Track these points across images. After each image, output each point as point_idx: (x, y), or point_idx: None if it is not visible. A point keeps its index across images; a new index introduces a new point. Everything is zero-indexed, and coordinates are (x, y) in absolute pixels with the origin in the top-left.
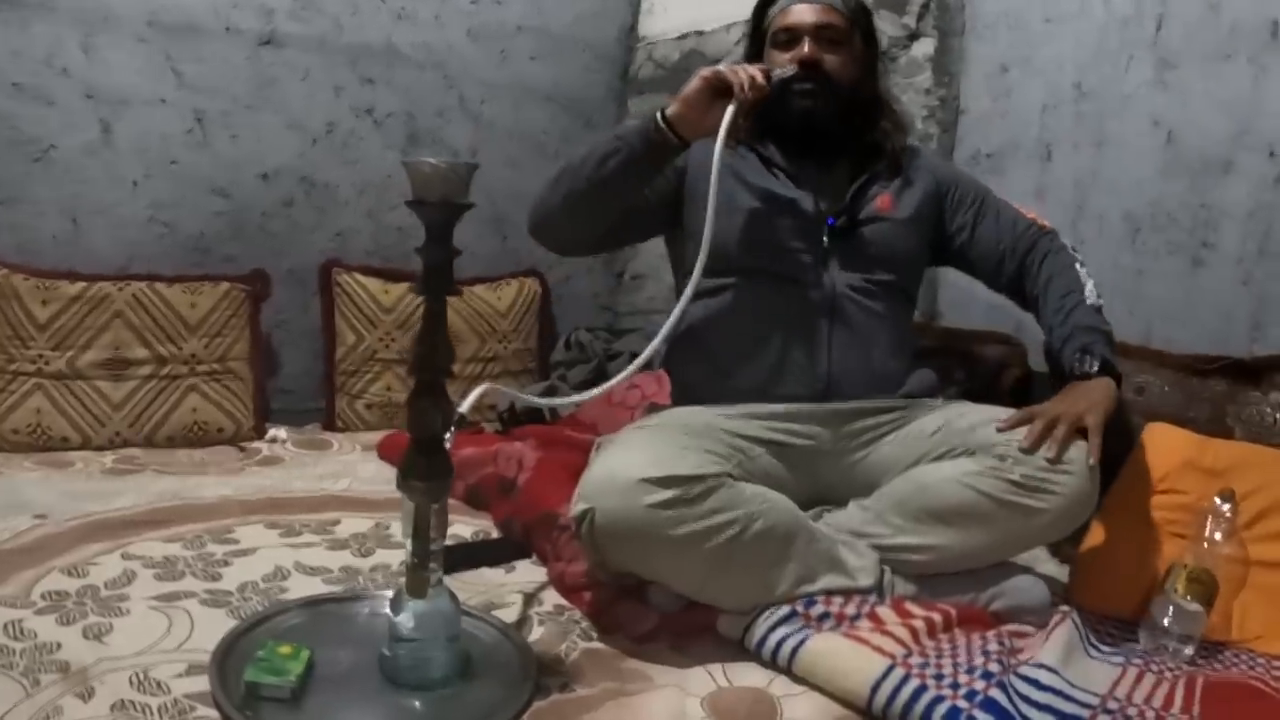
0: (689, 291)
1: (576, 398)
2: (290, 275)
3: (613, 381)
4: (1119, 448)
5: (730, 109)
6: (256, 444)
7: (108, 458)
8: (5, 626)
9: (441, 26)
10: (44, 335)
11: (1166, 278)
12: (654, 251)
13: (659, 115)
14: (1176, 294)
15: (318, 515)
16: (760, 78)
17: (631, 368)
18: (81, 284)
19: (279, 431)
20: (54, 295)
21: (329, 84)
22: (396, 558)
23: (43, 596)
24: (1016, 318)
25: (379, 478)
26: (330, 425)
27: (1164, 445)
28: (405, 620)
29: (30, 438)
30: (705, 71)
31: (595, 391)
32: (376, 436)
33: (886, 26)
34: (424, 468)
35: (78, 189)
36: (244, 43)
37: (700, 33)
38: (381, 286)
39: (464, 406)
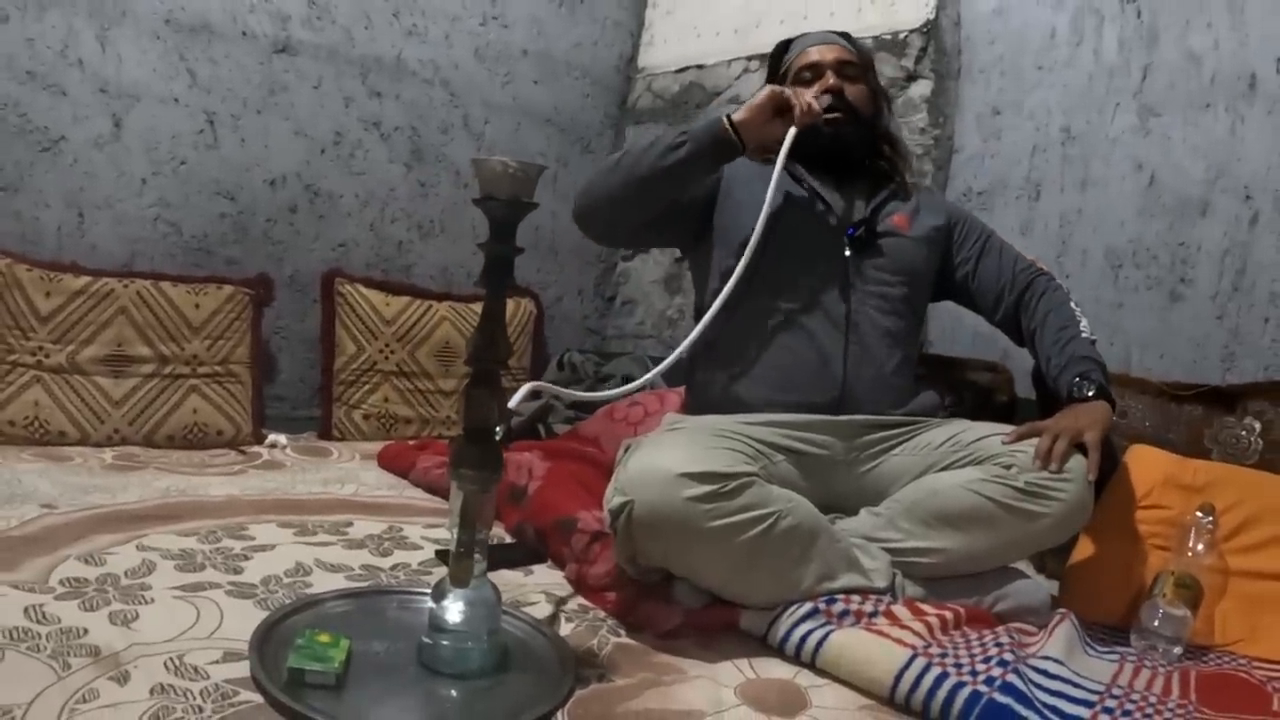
0: (734, 279)
1: (624, 389)
2: (291, 282)
3: (661, 367)
4: (1105, 468)
5: (792, 131)
6: (256, 449)
7: (107, 454)
8: (26, 610)
9: (450, 46)
10: (45, 327)
11: (1145, 311)
12: (645, 277)
13: (726, 118)
14: (1154, 326)
15: (330, 517)
16: (816, 106)
17: (675, 355)
18: (86, 278)
19: (278, 437)
20: (57, 288)
21: (339, 94)
22: (415, 558)
23: (61, 583)
24: (1002, 346)
25: (384, 485)
26: (326, 434)
27: (1146, 464)
28: (447, 609)
29: (27, 430)
30: (774, 88)
31: (644, 380)
32: (375, 446)
33: (886, 68)
34: (476, 457)
35: (85, 182)
36: (258, 48)
37: (700, 66)
38: (383, 299)
39: (514, 402)
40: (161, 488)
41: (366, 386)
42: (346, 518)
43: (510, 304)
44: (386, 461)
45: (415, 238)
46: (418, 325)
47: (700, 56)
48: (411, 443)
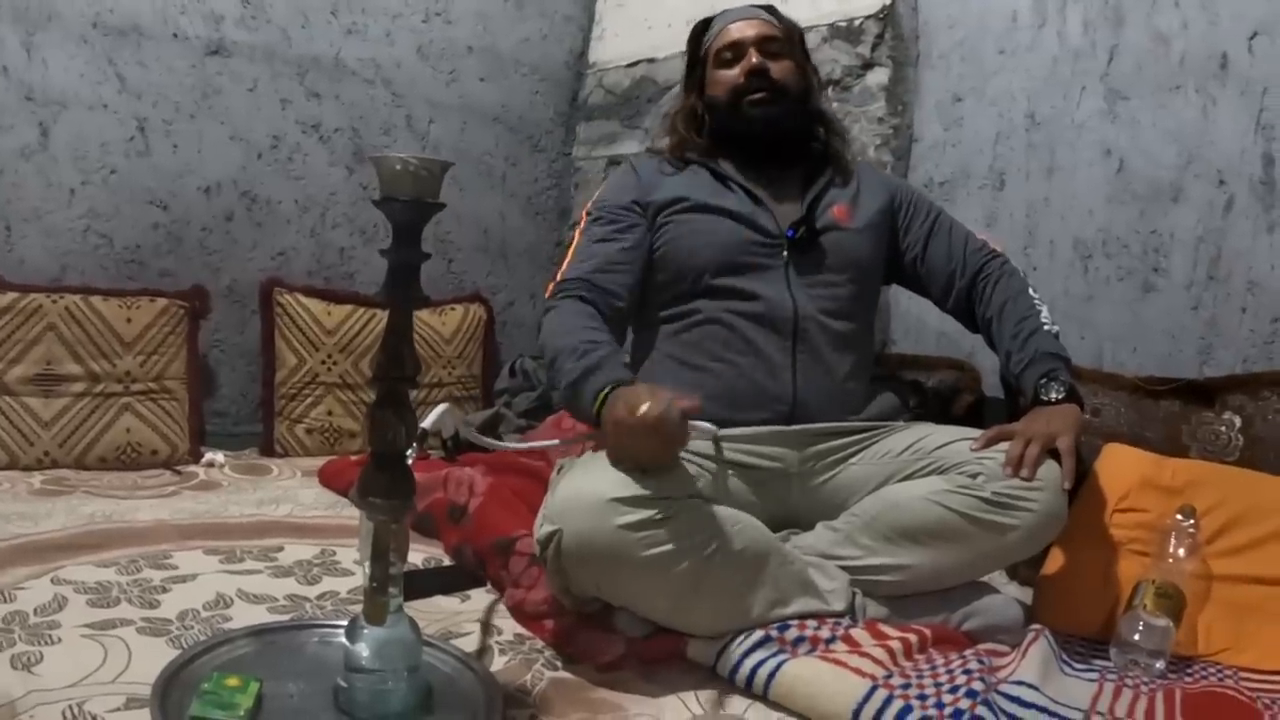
0: None
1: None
2: (229, 293)
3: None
4: (1078, 470)
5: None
6: (192, 468)
7: (35, 478)
8: None
9: (392, 43)
10: None
11: (1117, 303)
12: None
13: (599, 402)
14: (1127, 319)
15: (259, 541)
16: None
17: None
18: (13, 294)
19: (215, 455)
20: None
21: (275, 96)
22: (344, 585)
23: None
24: (969, 345)
25: (321, 504)
26: (268, 450)
27: (1122, 465)
28: (362, 649)
29: None
30: (668, 423)
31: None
32: (317, 462)
33: (841, 56)
34: (385, 484)
35: (11, 194)
36: (190, 50)
37: (652, 60)
38: (324, 308)
39: (426, 422)
40: (87, 513)
41: (309, 400)
42: (278, 542)
43: (459, 310)
44: (327, 479)
45: (358, 243)
46: (361, 335)
47: (651, 50)
48: (354, 458)
